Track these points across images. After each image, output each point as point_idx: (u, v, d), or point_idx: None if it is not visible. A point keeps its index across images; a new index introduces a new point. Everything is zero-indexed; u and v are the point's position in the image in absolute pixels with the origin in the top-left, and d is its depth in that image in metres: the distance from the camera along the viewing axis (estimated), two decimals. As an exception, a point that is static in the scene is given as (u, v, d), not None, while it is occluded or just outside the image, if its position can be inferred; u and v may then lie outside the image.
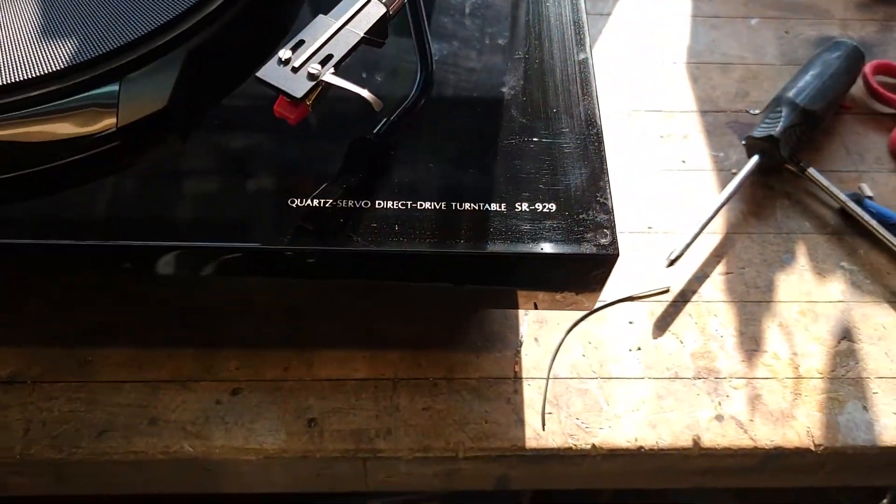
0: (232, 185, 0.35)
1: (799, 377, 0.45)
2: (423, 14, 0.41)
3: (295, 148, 0.36)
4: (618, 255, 0.34)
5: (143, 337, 0.44)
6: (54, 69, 0.34)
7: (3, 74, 0.33)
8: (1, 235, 0.32)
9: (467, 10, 0.42)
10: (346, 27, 0.32)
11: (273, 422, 0.42)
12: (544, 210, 0.34)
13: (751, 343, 0.46)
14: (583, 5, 0.42)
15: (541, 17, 0.41)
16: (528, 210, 0.34)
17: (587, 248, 0.33)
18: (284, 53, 0.31)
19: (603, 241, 0.34)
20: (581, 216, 0.34)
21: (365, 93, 0.32)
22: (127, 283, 0.37)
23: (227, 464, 0.42)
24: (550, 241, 0.34)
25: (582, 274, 0.35)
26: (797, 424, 0.43)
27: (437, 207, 0.34)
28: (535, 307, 0.40)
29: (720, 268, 0.49)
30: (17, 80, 0.33)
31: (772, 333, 0.47)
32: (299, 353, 0.44)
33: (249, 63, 0.38)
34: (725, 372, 0.45)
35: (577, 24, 0.41)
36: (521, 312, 0.47)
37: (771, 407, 0.44)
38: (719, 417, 0.44)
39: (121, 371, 0.43)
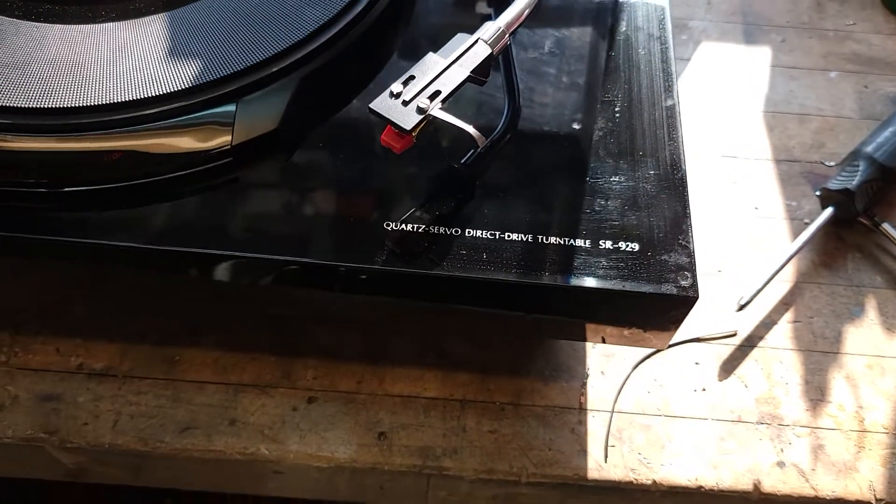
0: (331, 204, 0.37)
1: (864, 430, 0.45)
2: (513, 56, 0.43)
3: (391, 174, 0.38)
4: (697, 297, 0.35)
5: (229, 341, 0.47)
6: (179, 88, 0.36)
7: (134, 90, 0.36)
8: (120, 238, 0.35)
9: (560, 53, 0.43)
10: (454, 66, 0.34)
11: (345, 432, 0.44)
12: (627, 249, 0.36)
13: (816, 392, 0.46)
14: (672, 55, 0.43)
15: (631, 63, 0.43)
16: (611, 248, 0.36)
17: (667, 289, 0.35)
18: (396, 87, 0.33)
19: (683, 283, 0.35)
20: (663, 257, 0.36)
21: (470, 128, 0.34)
22: (223, 290, 0.39)
23: (298, 469, 0.44)
24: (632, 279, 0.35)
25: (659, 314, 0.36)
26: (859, 477, 0.44)
27: (524, 239, 0.36)
28: (604, 341, 0.41)
29: (788, 315, 0.50)
30: (146, 96, 0.36)
31: (838, 384, 0.47)
32: (373, 367, 0.46)
33: (353, 91, 0.41)
34: (789, 419, 0.45)
35: (666, 72, 0.42)
36: (588, 345, 0.48)
37: (833, 458, 0.44)
38: (781, 464, 0.44)
39: (206, 372, 0.46)
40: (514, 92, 0.42)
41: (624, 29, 0.44)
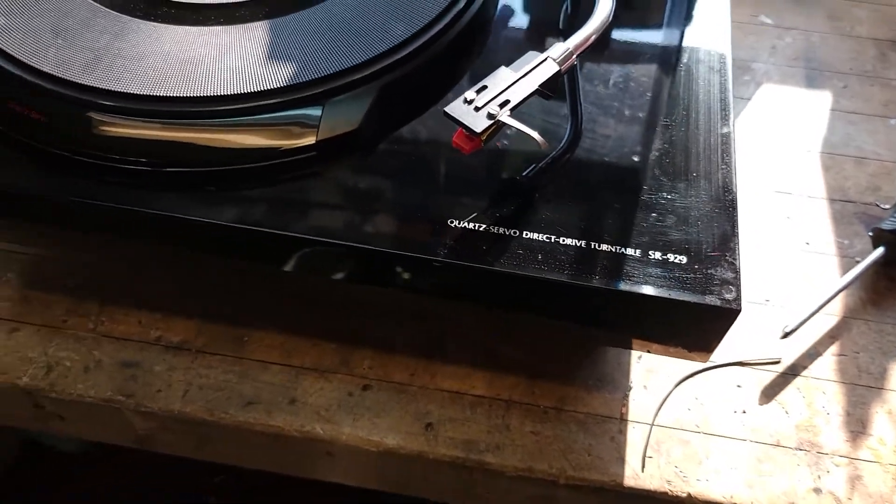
0: (400, 199, 0.41)
1: (904, 466, 0.46)
2: (579, 78, 0.46)
3: (458, 175, 0.41)
4: (740, 310, 0.37)
5: (294, 326, 0.50)
6: (274, 87, 0.40)
7: (235, 86, 0.40)
8: (208, 216, 0.39)
9: (623, 81, 0.46)
10: (524, 79, 0.37)
11: (395, 420, 0.47)
12: (675, 261, 0.38)
13: (857, 425, 0.47)
14: (730, 86, 0.45)
15: (690, 91, 0.45)
16: (660, 259, 0.38)
17: (711, 300, 0.37)
18: (470, 95, 0.37)
19: (728, 296, 0.37)
20: (709, 271, 0.38)
21: (535, 134, 0.37)
22: (295, 273, 0.43)
23: (348, 451, 0.47)
24: (678, 289, 0.37)
25: (702, 324, 0.38)
26: (897, 512, 0.44)
27: (578, 244, 0.38)
28: (648, 351, 0.43)
29: (833, 349, 0.50)
30: (245, 92, 0.40)
31: (879, 419, 0.47)
32: (425, 362, 0.49)
33: (427, 100, 0.44)
34: (828, 448, 0.46)
35: (724, 102, 0.45)
36: (632, 359, 0.50)
37: (871, 489, 0.45)
38: (817, 490, 0.45)
39: (271, 353, 0.49)
40: (577, 112, 0.45)
41: (686, 61, 0.47)
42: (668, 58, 0.48)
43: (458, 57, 0.46)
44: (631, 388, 0.48)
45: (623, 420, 0.47)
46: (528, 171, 0.42)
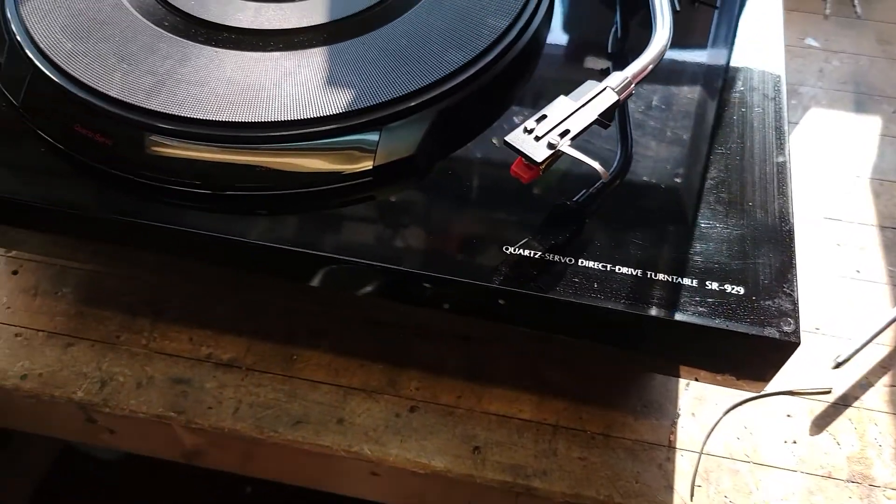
0: (454, 225, 0.41)
1: (960, 502, 0.45)
2: (628, 106, 0.46)
3: (512, 200, 0.41)
4: (798, 343, 0.36)
5: (342, 347, 0.50)
6: (332, 113, 0.41)
7: (294, 112, 0.41)
8: (264, 239, 0.40)
9: (677, 107, 0.46)
10: (583, 108, 0.38)
11: (442, 443, 0.47)
12: (733, 291, 0.38)
13: (911, 458, 0.46)
14: (785, 115, 0.45)
15: (745, 119, 0.45)
16: (717, 289, 0.38)
17: (770, 332, 0.36)
18: (530, 124, 0.37)
19: (786, 328, 0.36)
20: (767, 302, 0.37)
21: (596, 164, 0.37)
22: (346, 295, 0.43)
23: (395, 473, 0.47)
24: (736, 320, 0.37)
25: (760, 356, 0.38)
26: (953, 549, 0.43)
27: (634, 273, 0.38)
28: (697, 379, 0.43)
29: (886, 379, 0.50)
30: (304, 117, 0.41)
31: (934, 453, 0.47)
32: (472, 385, 0.49)
33: (481, 124, 0.45)
34: (880, 481, 0.46)
35: (779, 130, 0.44)
36: (680, 386, 0.49)
37: (926, 525, 0.44)
38: (870, 525, 0.44)
39: (319, 372, 0.49)
40: (628, 138, 0.45)
41: (740, 88, 0.47)
42: (722, 84, 0.48)
43: (512, 82, 0.46)
44: (679, 416, 0.48)
45: (671, 447, 0.47)
46: (578, 196, 0.42)
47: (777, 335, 0.36)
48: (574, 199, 0.42)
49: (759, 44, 0.51)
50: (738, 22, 0.53)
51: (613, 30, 0.52)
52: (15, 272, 0.54)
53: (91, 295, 0.53)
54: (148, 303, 0.52)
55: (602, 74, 0.49)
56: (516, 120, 0.45)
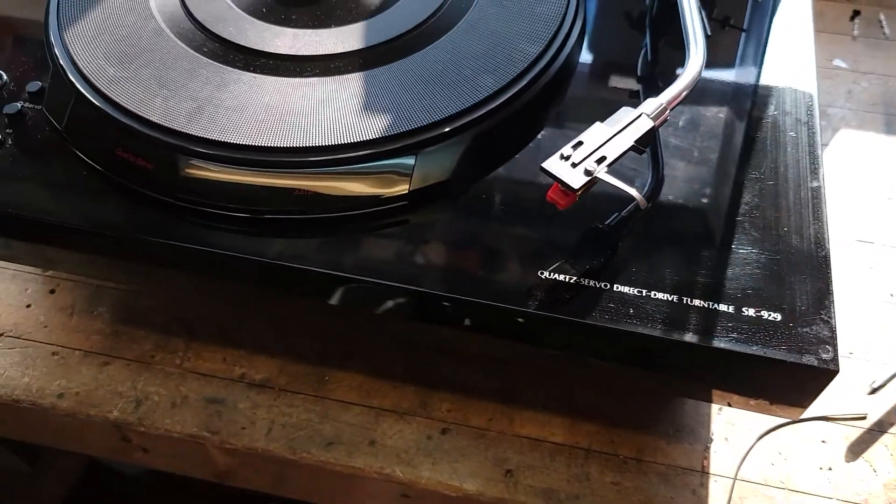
0: (490, 249, 0.41)
1: None
2: (659, 131, 0.46)
3: (546, 224, 0.42)
4: (837, 371, 0.36)
5: (373, 368, 0.51)
6: (369, 138, 0.41)
7: (331, 137, 0.41)
8: (300, 262, 0.40)
9: (709, 130, 0.46)
10: (619, 135, 0.38)
11: (474, 465, 0.47)
12: (769, 318, 0.38)
13: (949, 486, 0.46)
14: (819, 140, 0.45)
15: (778, 143, 0.45)
16: (753, 315, 0.38)
17: (808, 360, 0.36)
18: (566, 150, 0.37)
19: (825, 355, 0.36)
20: (805, 329, 0.37)
21: (634, 191, 0.37)
22: (380, 317, 0.43)
23: (426, 494, 0.47)
24: (774, 347, 0.37)
25: (798, 384, 0.38)
26: None
27: (669, 299, 0.38)
28: (729, 404, 0.43)
29: (922, 405, 0.49)
30: (342, 142, 0.41)
31: (973, 481, 0.46)
32: (503, 407, 0.49)
33: (514, 148, 0.45)
34: (919, 510, 0.45)
35: (813, 155, 0.44)
36: (713, 411, 0.49)
37: (966, 555, 0.43)
38: (909, 554, 0.44)
39: (351, 394, 0.50)
40: (659, 163, 0.46)
41: (772, 112, 0.47)
42: (753, 107, 0.48)
43: (544, 106, 0.47)
44: (712, 441, 0.48)
45: (705, 473, 0.47)
46: (611, 220, 0.42)
47: (816, 363, 0.36)
48: (607, 223, 0.42)
49: (790, 66, 0.51)
50: (766, 44, 0.53)
51: (643, 52, 0.53)
52: (52, 291, 0.55)
53: (126, 314, 0.53)
54: (182, 322, 0.53)
55: (632, 97, 0.50)
56: (549, 143, 0.46)
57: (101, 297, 0.54)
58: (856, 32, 0.74)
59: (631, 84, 0.51)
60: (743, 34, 0.54)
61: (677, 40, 0.52)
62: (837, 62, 0.71)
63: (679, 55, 0.51)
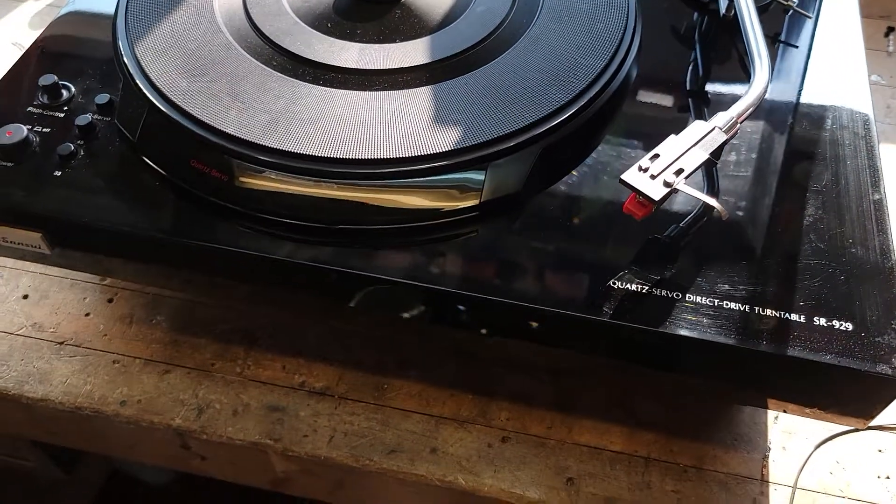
0: (559, 259, 0.42)
1: None
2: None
3: (616, 234, 0.42)
4: (911, 380, 0.37)
5: (431, 376, 0.51)
6: (440, 151, 0.42)
7: (402, 149, 0.42)
8: (377, 272, 0.41)
9: (772, 145, 0.47)
10: (694, 147, 0.39)
11: (536, 473, 0.47)
12: (841, 328, 0.38)
13: None
14: (878, 151, 0.46)
15: (837, 158, 0.46)
16: (825, 325, 0.38)
17: (883, 369, 0.37)
18: (644, 163, 0.38)
19: (898, 364, 0.37)
20: (876, 339, 0.38)
21: (714, 202, 0.38)
22: (449, 325, 0.44)
23: (488, 502, 0.48)
24: (847, 356, 0.37)
25: (870, 392, 0.38)
26: None
27: (741, 309, 0.39)
28: (785, 410, 0.43)
29: (975, 415, 0.50)
30: (411, 155, 0.42)
31: None
32: (562, 416, 0.50)
33: (580, 159, 0.46)
34: (978, 518, 0.46)
35: (873, 168, 0.45)
36: (769, 419, 0.50)
37: None
38: (970, 562, 0.44)
39: (410, 401, 0.50)
40: (714, 172, 0.46)
41: (830, 126, 0.48)
42: (811, 122, 0.49)
43: (606, 119, 0.48)
44: (770, 449, 0.48)
45: (764, 481, 0.47)
46: (680, 230, 0.43)
47: (890, 372, 0.37)
48: (676, 234, 0.43)
49: (843, 81, 0.52)
50: (814, 59, 0.54)
51: (691, 66, 0.54)
52: (110, 300, 0.55)
53: (185, 323, 0.54)
54: (241, 331, 0.53)
55: (681, 111, 0.51)
56: (610, 154, 0.47)
57: (159, 306, 0.55)
58: (891, 49, 0.75)
59: (681, 96, 0.52)
60: (794, 49, 0.55)
61: (725, 54, 0.54)
62: (875, 78, 0.72)
63: (726, 68, 0.53)
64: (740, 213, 0.44)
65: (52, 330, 0.53)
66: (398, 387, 0.51)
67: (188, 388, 0.51)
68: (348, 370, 0.52)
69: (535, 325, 0.41)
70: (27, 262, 0.52)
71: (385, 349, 0.53)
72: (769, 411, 0.50)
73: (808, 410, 0.42)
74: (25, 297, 0.55)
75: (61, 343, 0.53)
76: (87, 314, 0.54)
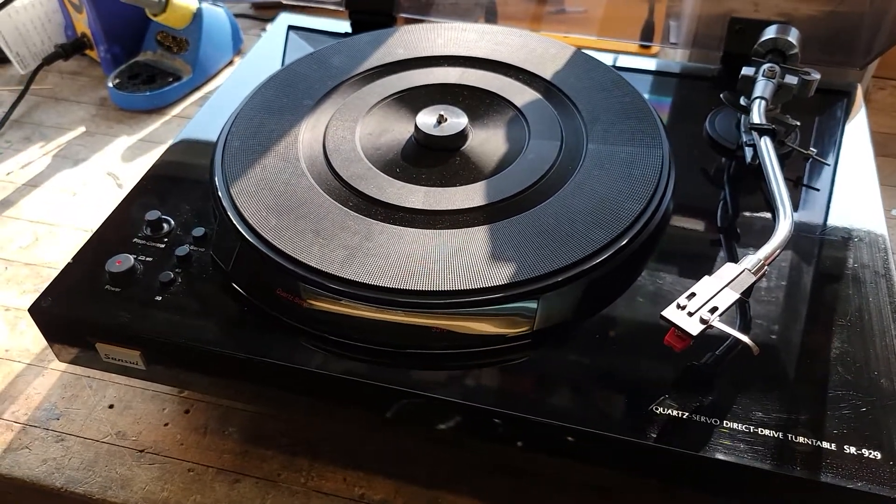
0: (605, 384, 0.46)
1: None
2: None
3: (659, 363, 0.47)
4: (943, 511, 0.39)
5: (482, 492, 0.54)
6: (497, 284, 0.48)
7: (464, 281, 0.48)
8: (437, 393, 0.45)
9: (798, 280, 0.52)
10: (726, 288, 0.44)
11: (583, 590, 0.49)
12: (870, 456, 0.41)
13: None
14: (898, 290, 0.50)
15: (861, 294, 0.50)
16: (855, 454, 0.42)
17: (912, 498, 0.40)
18: (682, 301, 0.43)
19: (926, 492, 0.40)
20: (904, 467, 0.41)
21: (746, 339, 0.42)
22: (504, 445, 0.48)
23: None
24: (878, 483, 0.40)
25: (900, 520, 0.41)
26: None
27: (775, 436, 0.43)
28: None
29: None
30: (471, 287, 0.47)
31: None
32: (607, 535, 0.52)
33: (623, 290, 0.51)
34: None
35: (894, 305, 0.49)
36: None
37: None
38: None
39: (464, 516, 0.53)
40: (746, 303, 0.51)
41: (852, 265, 0.52)
42: (835, 261, 0.53)
43: (645, 255, 0.53)
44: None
45: None
46: (717, 359, 0.47)
47: (920, 501, 0.40)
48: (713, 363, 0.47)
49: (861, 219, 0.56)
50: (835, 199, 0.59)
51: (721, 204, 0.59)
52: (187, 411, 0.60)
53: (254, 434, 0.58)
54: (305, 443, 0.58)
55: (713, 245, 0.56)
56: (650, 286, 0.51)
57: (231, 418, 0.59)
58: (909, 185, 0.80)
59: (713, 232, 0.57)
60: (816, 192, 0.60)
61: (753, 195, 0.59)
62: (895, 212, 0.77)
63: (754, 207, 0.58)
64: (773, 337, 0.48)
65: (134, 438, 0.58)
66: (452, 501, 0.54)
67: (256, 497, 0.55)
68: (405, 484, 0.55)
69: (584, 446, 0.45)
70: (113, 374, 0.58)
71: (435, 464, 0.56)
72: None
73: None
74: (111, 406, 0.60)
75: (142, 451, 0.57)
76: (166, 424, 0.59)
